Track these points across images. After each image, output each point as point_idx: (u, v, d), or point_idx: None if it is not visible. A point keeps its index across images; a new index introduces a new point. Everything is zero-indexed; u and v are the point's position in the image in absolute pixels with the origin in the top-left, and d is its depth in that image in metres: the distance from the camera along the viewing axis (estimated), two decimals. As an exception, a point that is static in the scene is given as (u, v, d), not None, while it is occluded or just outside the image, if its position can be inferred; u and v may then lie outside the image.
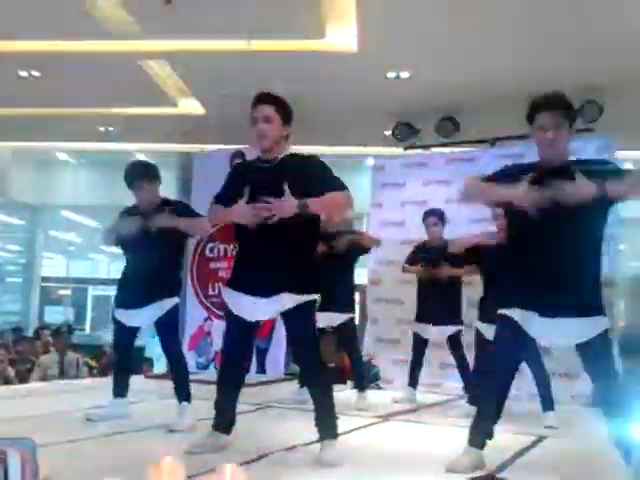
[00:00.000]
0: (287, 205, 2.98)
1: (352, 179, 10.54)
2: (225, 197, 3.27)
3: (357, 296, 8.32)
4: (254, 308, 3.10)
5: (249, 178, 3.23)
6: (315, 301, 3.13)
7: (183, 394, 3.79)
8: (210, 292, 7.13)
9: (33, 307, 13.66)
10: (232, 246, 6.81)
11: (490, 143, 6.84)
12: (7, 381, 7.12)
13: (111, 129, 8.74)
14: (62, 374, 7.41)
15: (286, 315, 3.11)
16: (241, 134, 7.86)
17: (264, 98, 3.26)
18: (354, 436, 3.60)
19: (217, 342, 7.00)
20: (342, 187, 3.15)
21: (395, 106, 7.08)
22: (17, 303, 14.24)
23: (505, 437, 3.07)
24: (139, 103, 7.66)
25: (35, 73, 6.83)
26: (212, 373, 6.82)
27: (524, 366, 5.71)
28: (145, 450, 3.17)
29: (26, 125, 8.49)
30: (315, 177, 3.14)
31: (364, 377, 5.24)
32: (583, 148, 5.30)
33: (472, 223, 6.22)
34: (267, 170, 3.23)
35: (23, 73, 6.82)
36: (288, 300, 3.03)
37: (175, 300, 3.90)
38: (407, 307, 6.40)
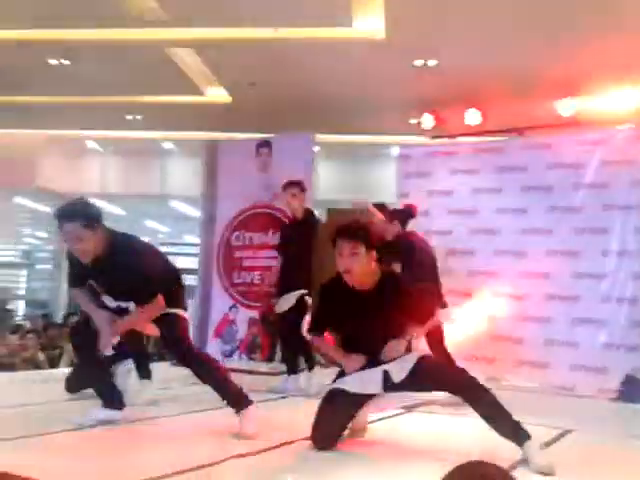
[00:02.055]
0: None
1: (377, 168, 10.56)
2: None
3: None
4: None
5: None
6: None
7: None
8: (235, 280, 7.16)
9: (62, 294, 13.87)
10: (258, 234, 6.84)
11: (518, 132, 6.74)
12: (37, 366, 7.25)
13: (139, 117, 8.80)
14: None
15: None
16: (267, 122, 7.90)
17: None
18: (378, 427, 3.60)
19: (242, 330, 7.04)
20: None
21: (422, 94, 7.02)
22: (46, 290, 14.47)
23: (530, 430, 3.03)
24: (166, 91, 7.71)
25: (65, 61, 6.90)
26: (236, 361, 6.87)
27: (548, 360, 5.68)
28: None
29: (55, 113, 8.59)
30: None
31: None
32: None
33: (498, 214, 6.17)
34: None
35: (53, 61, 6.90)
36: None
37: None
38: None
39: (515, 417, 2.98)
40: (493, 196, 6.23)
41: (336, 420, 3.08)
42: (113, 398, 3.43)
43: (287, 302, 4.85)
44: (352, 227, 3.09)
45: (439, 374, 3.11)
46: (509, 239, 6.06)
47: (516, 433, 2.93)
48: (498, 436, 2.95)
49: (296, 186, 4.99)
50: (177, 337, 3.39)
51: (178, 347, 3.39)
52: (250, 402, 3.32)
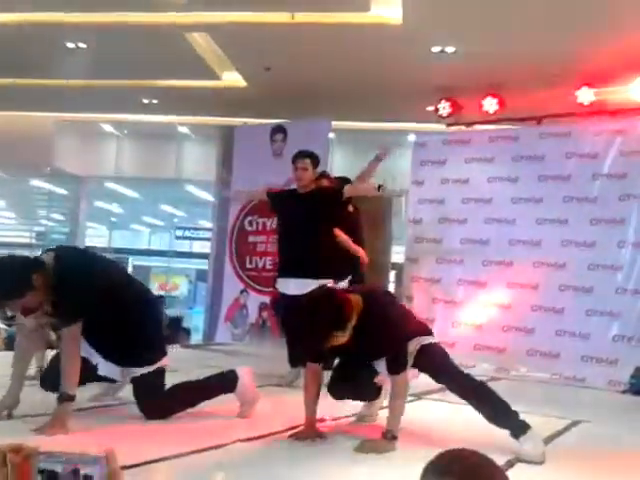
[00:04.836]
0: None
1: (393, 155, 10.49)
2: None
3: (393, 274, 8.31)
4: None
5: None
6: None
7: None
8: (248, 265, 7.18)
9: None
10: (271, 220, 6.85)
11: (536, 121, 6.67)
12: (50, 346, 7.32)
13: (154, 101, 8.81)
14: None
15: None
16: (283, 108, 7.88)
17: None
18: (384, 414, 3.61)
19: (252, 314, 7.07)
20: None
21: (439, 81, 6.96)
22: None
23: (538, 420, 3.03)
24: (182, 76, 7.70)
25: (82, 45, 6.91)
26: (247, 344, 6.91)
27: (559, 350, 5.66)
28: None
29: (72, 96, 8.62)
30: None
31: None
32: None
33: (514, 203, 6.12)
34: None
35: (70, 44, 6.91)
36: None
37: None
38: (444, 285, 6.36)
39: (525, 407, 2.98)
40: (509, 185, 6.19)
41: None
42: None
43: (302, 287, 4.14)
44: None
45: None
46: (524, 229, 6.02)
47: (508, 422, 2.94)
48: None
49: (308, 157, 4.55)
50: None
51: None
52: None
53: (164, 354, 3.34)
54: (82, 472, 0.81)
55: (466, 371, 3.24)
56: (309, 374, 3.10)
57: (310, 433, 3.03)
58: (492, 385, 4.69)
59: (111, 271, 3.37)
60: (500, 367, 5.83)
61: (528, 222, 6.00)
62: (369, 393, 3.32)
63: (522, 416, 2.95)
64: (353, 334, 2.88)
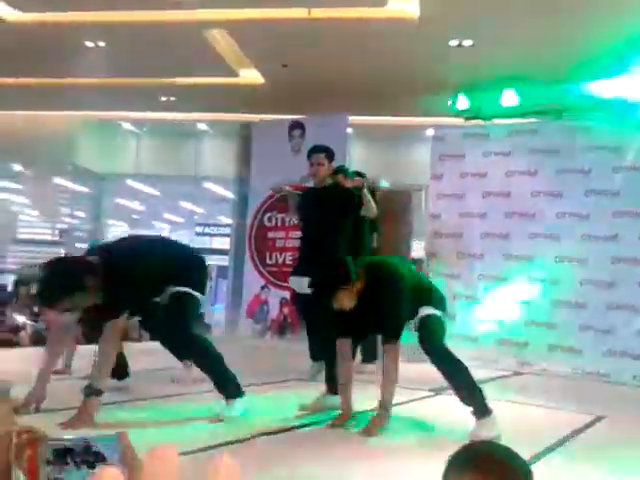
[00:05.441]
0: None
1: (411, 150, 10.48)
2: None
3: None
4: None
5: None
6: None
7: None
8: (268, 261, 7.21)
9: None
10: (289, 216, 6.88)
11: (555, 115, 6.61)
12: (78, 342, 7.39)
13: (173, 99, 8.86)
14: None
15: None
16: (300, 104, 7.89)
17: None
18: (404, 409, 3.61)
19: (273, 310, 7.11)
20: None
21: (457, 75, 6.92)
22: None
23: (562, 415, 3.02)
24: (200, 73, 7.74)
25: (101, 43, 6.97)
26: (268, 340, 6.95)
27: (582, 346, 5.61)
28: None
29: (92, 94, 8.70)
30: None
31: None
32: None
33: (534, 197, 6.08)
34: None
35: (89, 43, 6.97)
36: None
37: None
38: (464, 280, 6.33)
39: (548, 402, 2.97)
40: (528, 179, 6.14)
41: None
42: None
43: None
44: None
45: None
46: (544, 223, 5.97)
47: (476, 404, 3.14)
48: (526, 424, 2.94)
49: (323, 152, 4.51)
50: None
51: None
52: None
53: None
54: (94, 449, 0.82)
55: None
56: (339, 355, 3.31)
57: (347, 419, 3.23)
58: (515, 380, 4.68)
59: (155, 262, 3.36)
60: (523, 362, 5.80)
61: (548, 216, 5.96)
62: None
63: (547, 411, 2.96)
64: (359, 305, 3.16)
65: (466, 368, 3.23)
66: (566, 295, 5.78)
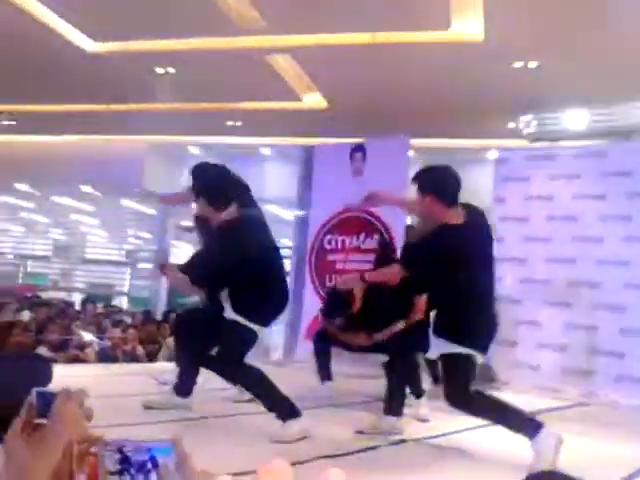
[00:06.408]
0: None
1: (474, 173, 10.36)
2: None
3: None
4: None
5: None
6: None
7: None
8: (327, 283, 7.22)
9: (162, 292, 14.48)
10: (350, 238, 6.87)
11: (624, 136, 6.44)
12: (135, 359, 7.58)
13: (238, 123, 9.07)
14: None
15: None
16: (363, 127, 7.93)
17: None
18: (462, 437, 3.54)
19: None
20: None
21: (521, 97, 6.84)
22: (147, 288, 15.14)
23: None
24: (265, 98, 7.90)
25: (170, 70, 7.22)
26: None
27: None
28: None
29: (160, 119, 8.99)
30: None
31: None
32: None
33: (602, 221, 5.91)
34: None
35: (159, 70, 7.23)
36: None
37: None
38: (525, 306, 6.18)
39: (619, 436, 2.85)
40: (596, 202, 5.98)
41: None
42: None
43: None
44: None
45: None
46: (612, 248, 5.79)
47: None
48: (588, 452, 2.82)
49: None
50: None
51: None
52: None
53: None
54: (150, 455, 0.83)
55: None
56: None
57: None
58: (580, 410, 4.50)
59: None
60: (587, 391, 5.60)
61: (617, 241, 5.77)
62: None
63: (615, 446, 2.83)
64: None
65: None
66: (635, 323, 5.56)
